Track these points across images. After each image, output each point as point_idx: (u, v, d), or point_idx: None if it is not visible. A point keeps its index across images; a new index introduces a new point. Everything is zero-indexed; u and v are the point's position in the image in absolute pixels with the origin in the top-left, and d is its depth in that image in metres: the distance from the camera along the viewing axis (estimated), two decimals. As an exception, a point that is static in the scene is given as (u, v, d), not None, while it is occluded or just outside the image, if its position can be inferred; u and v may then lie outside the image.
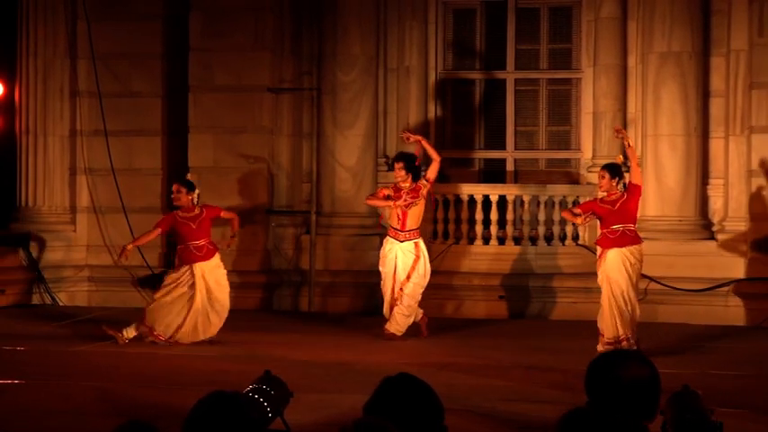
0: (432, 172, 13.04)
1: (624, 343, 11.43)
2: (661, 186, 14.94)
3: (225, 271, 12.54)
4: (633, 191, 11.81)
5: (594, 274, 11.96)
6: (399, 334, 12.79)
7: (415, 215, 12.90)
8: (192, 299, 12.25)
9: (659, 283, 14.45)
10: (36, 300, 15.91)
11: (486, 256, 15.43)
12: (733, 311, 14.52)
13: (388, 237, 13.02)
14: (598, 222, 12.04)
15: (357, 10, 15.67)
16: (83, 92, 16.43)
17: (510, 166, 16.30)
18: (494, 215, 15.48)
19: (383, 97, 16.14)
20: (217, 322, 12.40)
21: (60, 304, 15.88)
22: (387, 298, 12.89)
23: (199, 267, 12.32)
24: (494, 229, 15.51)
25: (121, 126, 16.28)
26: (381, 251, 13.06)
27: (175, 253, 12.73)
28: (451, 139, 16.47)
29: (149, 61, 16.32)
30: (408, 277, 12.78)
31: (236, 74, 15.69)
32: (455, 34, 16.52)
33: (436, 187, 14.48)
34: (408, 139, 13.25)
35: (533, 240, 15.53)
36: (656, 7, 14.94)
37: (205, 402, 3.63)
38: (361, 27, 15.72)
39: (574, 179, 16.01)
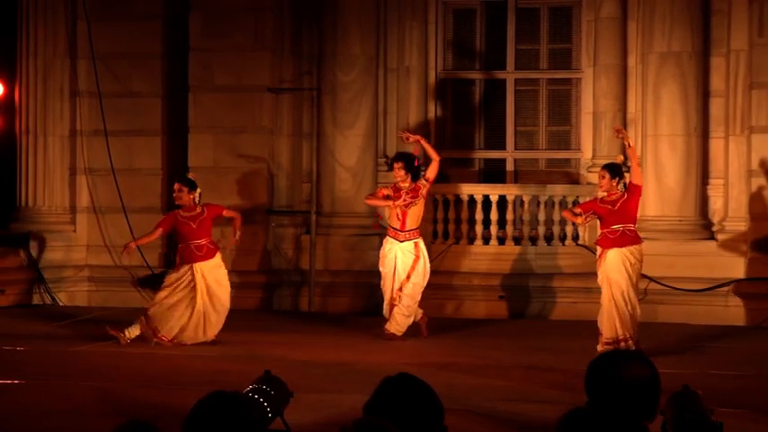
0: (431, 172, 13.04)
1: (622, 344, 11.42)
2: (661, 186, 14.94)
3: (226, 271, 12.53)
4: (633, 191, 11.80)
5: (594, 274, 11.96)
6: (399, 334, 12.78)
7: (415, 215, 12.90)
8: (193, 300, 12.26)
9: (659, 283, 14.45)
10: (36, 300, 15.91)
11: (486, 256, 15.43)
12: (733, 311, 14.53)
13: (387, 237, 13.02)
14: (598, 222, 12.04)
15: (357, 10, 15.67)
16: (83, 92, 16.43)
17: (510, 166, 16.30)
18: (494, 215, 15.48)
19: (383, 97, 16.14)
20: (218, 322, 12.40)
21: (60, 304, 15.88)
22: (386, 298, 12.89)
23: (199, 267, 12.31)
24: (494, 229, 15.51)
25: (121, 126, 16.29)
26: (381, 251, 13.06)
27: (176, 252, 12.73)
28: (451, 139, 16.47)
29: (149, 61, 16.33)
30: (408, 277, 12.78)
31: (236, 74, 15.69)
32: (455, 34, 16.52)
33: (436, 187, 14.50)
34: (407, 138, 13.25)
35: (533, 240, 15.53)
36: (656, 7, 14.94)
37: (205, 402, 3.63)
38: (361, 27, 15.72)
39: (574, 179, 16.01)
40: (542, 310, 15.09)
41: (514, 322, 14.72)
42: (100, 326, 12.68)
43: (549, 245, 15.50)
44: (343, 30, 15.66)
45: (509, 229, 15.54)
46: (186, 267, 12.34)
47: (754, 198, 14.75)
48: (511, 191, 15.63)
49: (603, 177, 11.87)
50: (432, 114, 16.36)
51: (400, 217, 12.86)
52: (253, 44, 15.69)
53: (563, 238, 15.46)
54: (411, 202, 12.86)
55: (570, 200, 15.33)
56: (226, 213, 12.79)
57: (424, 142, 13.20)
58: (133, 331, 12.23)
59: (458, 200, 15.68)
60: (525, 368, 10.98)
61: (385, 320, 12.87)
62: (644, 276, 12.78)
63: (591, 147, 15.84)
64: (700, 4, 15.03)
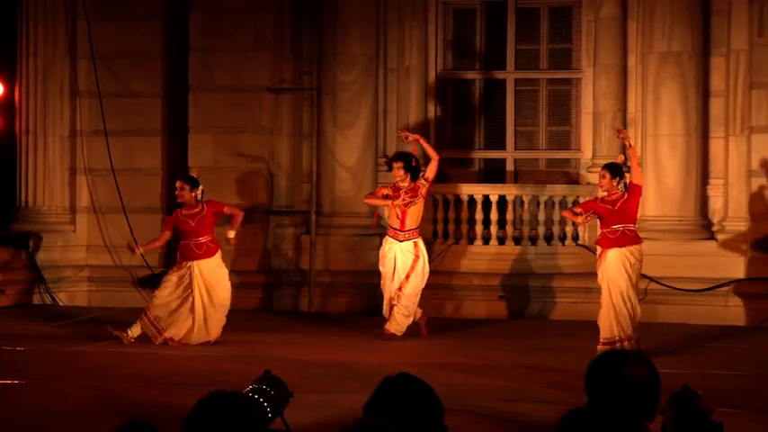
0: (430, 171, 13.04)
1: (618, 344, 11.41)
2: (661, 186, 14.94)
3: (226, 270, 12.52)
4: (633, 191, 11.80)
5: (594, 274, 11.96)
6: (399, 334, 12.78)
7: (415, 215, 12.90)
8: (193, 300, 12.25)
9: (659, 283, 14.45)
10: (36, 300, 15.91)
11: (485, 256, 15.43)
12: (733, 311, 14.53)
13: (387, 236, 13.02)
14: (598, 222, 12.04)
15: (357, 10, 15.67)
16: (83, 92, 16.43)
17: (510, 166, 16.30)
18: (494, 215, 15.47)
19: (383, 97, 16.14)
20: (219, 321, 12.40)
21: (60, 304, 15.88)
22: (386, 298, 12.89)
23: (197, 265, 12.29)
24: (493, 229, 15.51)
25: (121, 126, 16.28)
26: (381, 251, 13.06)
27: (176, 251, 12.72)
28: (451, 138, 16.47)
29: (149, 61, 16.33)
30: (407, 277, 12.78)
31: (236, 74, 15.69)
32: (455, 34, 16.52)
33: (436, 187, 14.50)
34: (406, 137, 13.26)
35: (533, 240, 15.53)
36: (656, 7, 14.94)
37: (205, 402, 3.63)
38: (361, 27, 15.72)
39: (574, 179, 16.01)
40: (542, 310, 15.09)
41: (514, 322, 14.72)
42: (100, 326, 12.68)
43: (548, 245, 15.50)
44: (343, 30, 15.66)
45: (509, 229, 15.53)
46: (185, 266, 12.34)
47: (754, 198, 14.75)
48: (511, 191, 15.62)
49: (604, 177, 11.87)
50: (432, 114, 16.36)
51: (400, 216, 12.86)
52: (253, 44, 15.69)
53: (563, 238, 15.46)
54: (410, 202, 12.86)
55: (570, 200, 15.33)
56: (227, 210, 12.77)
57: (423, 141, 13.20)
58: (135, 330, 12.24)
59: (458, 200, 15.68)
60: (525, 368, 10.98)
61: (385, 320, 12.87)
62: (644, 276, 12.78)
63: (591, 147, 15.84)
64: (700, 4, 15.03)
